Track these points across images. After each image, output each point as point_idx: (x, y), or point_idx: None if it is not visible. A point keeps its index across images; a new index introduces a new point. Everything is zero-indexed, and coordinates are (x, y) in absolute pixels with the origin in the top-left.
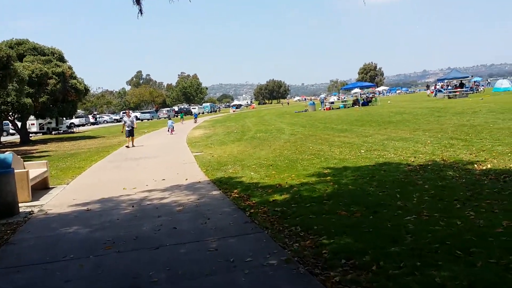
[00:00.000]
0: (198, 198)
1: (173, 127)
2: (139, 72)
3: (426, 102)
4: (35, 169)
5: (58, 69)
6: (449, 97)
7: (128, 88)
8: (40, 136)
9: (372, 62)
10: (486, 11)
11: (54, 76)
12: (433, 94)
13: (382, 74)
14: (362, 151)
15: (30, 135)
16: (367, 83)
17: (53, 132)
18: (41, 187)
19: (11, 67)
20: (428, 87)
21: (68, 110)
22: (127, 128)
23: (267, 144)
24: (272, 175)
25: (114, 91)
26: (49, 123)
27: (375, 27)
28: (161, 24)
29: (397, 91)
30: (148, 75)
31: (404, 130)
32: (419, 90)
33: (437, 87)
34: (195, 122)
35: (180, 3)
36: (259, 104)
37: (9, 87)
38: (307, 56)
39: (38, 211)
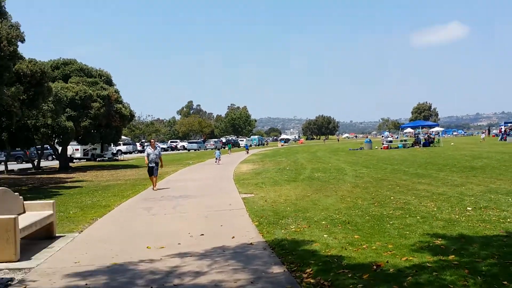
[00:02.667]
0: (251, 279)
1: (220, 158)
2: (190, 102)
3: (497, 146)
4: (36, 212)
5: (104, 92)
6: None
7: (178, 117)
8: (83, 163)
9: (426, 102)
10: None
11: (98, 99)
12: (499, 138)
13: (436, 115)
14: (468, 208)
15: (74, 161)
16: (430, 122)
17: (97, 159)
18: (44, 236)
19: (46, 84)
20: (489, 130)
21: (112, 136)
22: (149, 164)
23: (331, 188)
24: (357, 242)
25: (164, 120)
26: (94, 149)
27: (427, 67)
28: (214, 57)
29: (454, 133)
30: (199, 105)
31: (502, 180)
32: (477, 133)
33: (501, 130)
34: (247, 153)
35: (234, 40)
36: (306, 139)
37: (44, 107)
38: (356, 94)
39: (17, 282)
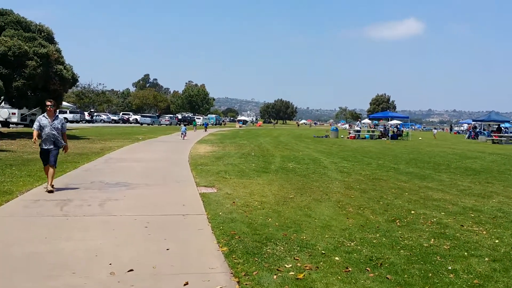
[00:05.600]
0: None
1: (185, 133)
2: (147, 75)
3: (471, 144)
4: None
5: (42, 49)
6: (494, 142)
7: (133, 89)
8: (19, 129)
9: (385, 94)
10: (495, 60)
11: (35, 57)
12: (466, 135)
13: (394, 107)
14: None
15: (10, 125)
16: (400, 115)
17: None
18: None
19: None
20: (451, 127)
21: None
22: (42, 145)
23: (317, 187)
24: None
25: (118, 91)
26: (33, 114)
27: (384, 61)
28: (173, 31)
29: (413, 127)
30: (156, 79)
31: None
32: (436, 128)
33: (470, 127)
34: (205, 131)
35: (195, 19)
36: (264, 122)
37: None
38: (314, 81)
39: None
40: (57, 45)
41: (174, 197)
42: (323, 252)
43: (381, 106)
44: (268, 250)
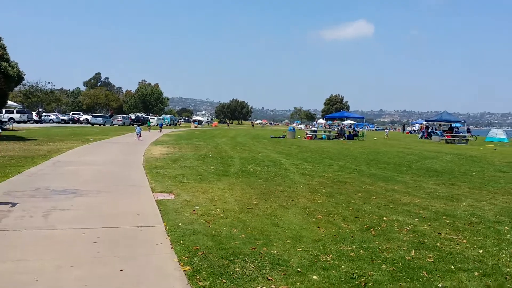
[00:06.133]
0: None
1: (140, 134)
2: (98, 74)
3: (426, 144)
4: None
5: None
6: (447, 142)
7: (84, 88)
8: None
9: (338, 95)
10: (442, 62)
11: None
12: (419, 135)
13: (348, 108)
14: None
15: None
16: (356, 115)
17: None
18: None
19: None
20: (403, 127)
21: None
22: None
23: (281, 191)
24: None
25: (68, 90)
26: None
27: (337, 62)
28: (126, 29)
29: (366, 127)
30: (107, 78)
31: (499, 194)
32: (388, 128)
33: (423, 127)
34: (160, 131)
35: (150, 14)
36: (219, 122)
37: None
38: (268, 82)
39: None
40: (1, 41)
41: (128, 206)
42: (298, 269)
43: (335, 106)
44: (237, 269)
